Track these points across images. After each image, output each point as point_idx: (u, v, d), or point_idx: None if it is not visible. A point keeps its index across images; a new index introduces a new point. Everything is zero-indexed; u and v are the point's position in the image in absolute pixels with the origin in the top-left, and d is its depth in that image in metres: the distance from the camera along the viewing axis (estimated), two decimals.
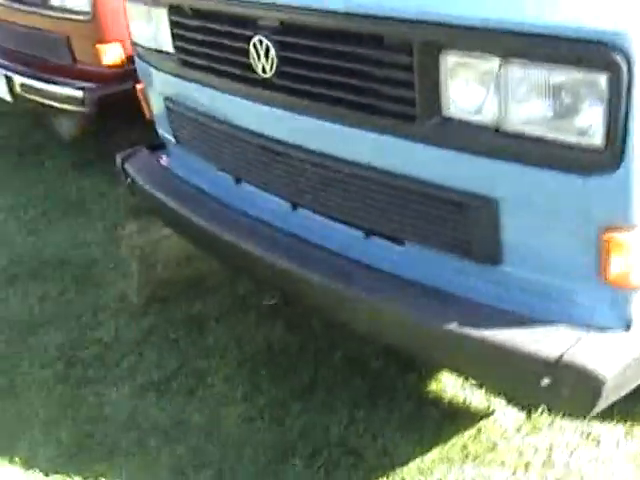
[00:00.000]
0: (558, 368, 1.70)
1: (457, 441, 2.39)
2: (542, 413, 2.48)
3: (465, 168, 1.80)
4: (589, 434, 2.42)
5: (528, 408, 2.49)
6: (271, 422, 2.48)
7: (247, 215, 2.36)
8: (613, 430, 2.41)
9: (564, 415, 2.45)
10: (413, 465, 2.32)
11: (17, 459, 2.44)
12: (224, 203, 2.45)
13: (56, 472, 2.40)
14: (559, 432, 2.43)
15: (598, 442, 2.39)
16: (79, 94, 3.62)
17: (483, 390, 2.54)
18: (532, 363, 1.73)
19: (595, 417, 2.43)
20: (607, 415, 2.43)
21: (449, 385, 2.59)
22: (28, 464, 2.42)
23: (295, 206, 2.24)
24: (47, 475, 2.40)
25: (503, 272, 1.87)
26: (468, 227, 1.85)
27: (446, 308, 1.88)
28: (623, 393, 1.80)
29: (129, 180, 2.71)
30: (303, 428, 2.46)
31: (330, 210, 2.13)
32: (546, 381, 1.73)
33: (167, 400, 2.60)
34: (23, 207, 3.95)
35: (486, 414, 2.49)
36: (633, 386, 1.82)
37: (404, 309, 1.91)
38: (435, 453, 2.36)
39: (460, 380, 2.58)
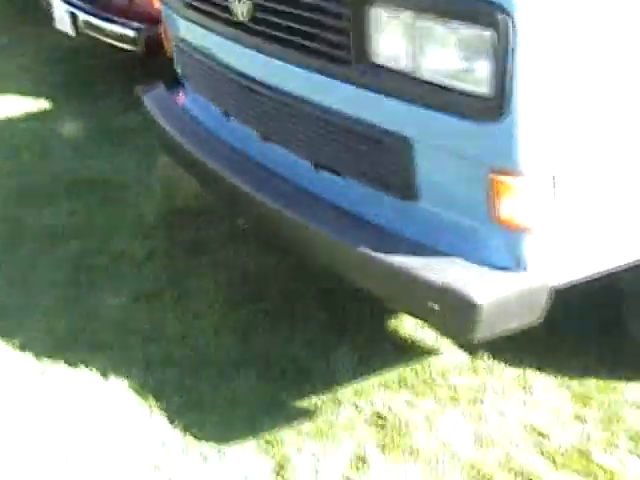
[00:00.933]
0: (442, 294, 1.96)
1: (399, 372, 2.66)
2: (484, 358, 2.72)
3: (386, 109, 2.07)
4: (524, 381, 2.65)
5: (472, 352, 2.74)
6: (237, 338, 2.81)
7: (231, 147, 2.69)
8: (547, 380, 2.64)
9: (502, 360, 2.69)
10: (351, 387, 2.61)
11: (15, 341, 2.85)
12: (215, 135, 2.78)
13: (48, 357, 2.79)
14: (496, 377, 2.67)
15: (530, 389, 2.62)
16: (132, 33, 4.00)
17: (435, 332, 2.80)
18: (423, 287, 2.00)
19: (533, 367, 2.67)
20: (545, 367, 2.66)
21: (407, 325, 2.86)
22: (24, 347, 2.83)
23: (265, 138, 2.55)
24: (39, 359, 2.79)
25: (417, 207, 2.13)
26: (387, 163, 2.12)
27: (362, 234, 2.16)
28: (511, 326, 2.04)
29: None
30: (264, 346, 2.78)
31: (288, 142, 2.44)
32: (433, 305, 2.00)
33: (153, 309, 2.96)
34: (75, 132, 4.39)
35: (432, 353, 2.75)
36: (524, 322, 2.06)
37: (329, 232, 2.20)
38: (375, 380, 2.64)
39: (419, 322, 2.85)
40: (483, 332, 1.97)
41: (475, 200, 1.98)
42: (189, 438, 2.45)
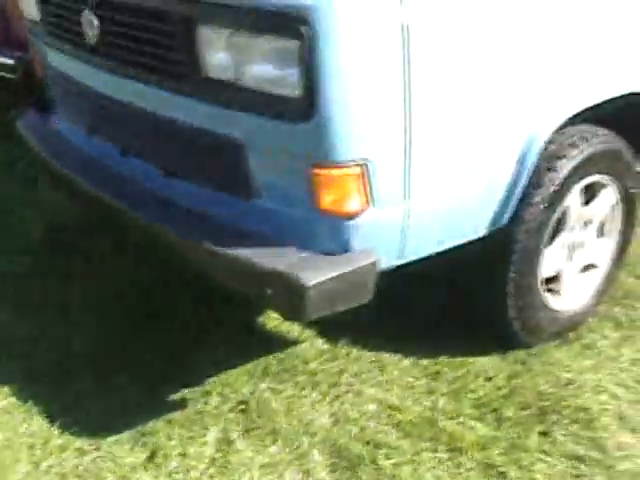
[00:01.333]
0: (273, 278, 2.22)
1: (262, 362, 2.91)
2: (344, 345, 2.99)
3: (220, 117, 2.33)
4: (381, 363, 2.92)
5: (334, 340, 3.00)
6: (114, 342, 3.03)
7: (97, 162, 2.92)
8: (401, 361, 2.92)
9: (361, 346, 2.96)
10: (218, 378, 2.84)
11: None
12: (82, 153, 3.01)
13: None
14: (353, 361, 2.94)
15: (386, 370, 2.90)
16: (11, 61, 4.18)
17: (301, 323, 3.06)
18: (259, 274, 2.25)
19: (389, 351, 2.95)
20: (400, 349, 2.94)
21: (273, 319, 3.11)
22: None
23: (123, 152, 2.79)
24: None
25: (256, 204, 2.39)
26: (226, 167, 2.37)
27: (210, 232, 2.41)
28: (341, 305, 2.31)
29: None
30: (139, 347, 3.00)
31: (142, 154, 2.68)
32: (269, 291, 2.25)
33: (36, 321, 3.15)
34: None
35: (295, 343, 3.01)
36: (354, 301, 2.32)
37: (181, 233, 2.45)
38: (241, 370, 2.88)
39: None
40: (313, 311, 2.23)
41: (301, 193, 2.25)
42: (68, 436, 2.64)
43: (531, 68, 2.41)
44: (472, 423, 2.64)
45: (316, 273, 2.18)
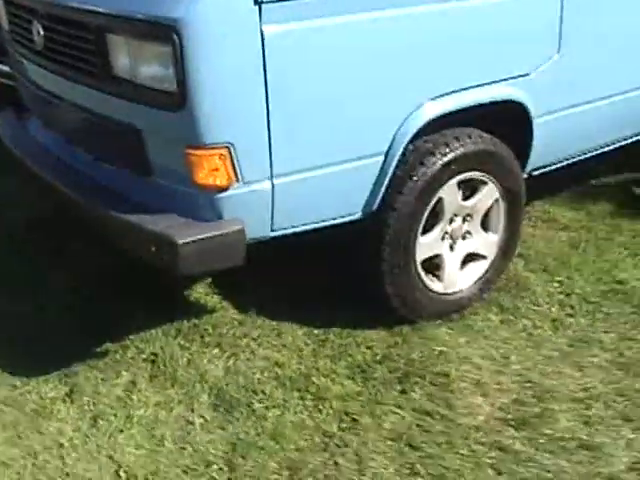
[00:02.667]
0: (155, 237, 2.86)
1: (178, 324, 3.53)
2: (252, 314, 3.61)
3: (124, 108, 2.99)
4: (278, 330, 3.53)
5: (245, 310, 3.62)
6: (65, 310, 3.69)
7: (51, 153, 3.61)
8: (296, 329, 3.52)
9: (265, 314, 3.57)
10: (138, 335, 3.48)
11: None
12: (41, 143, 3.71)
13: None
14: (256, 327, 3.54)
15: (281, 336, 3.50)
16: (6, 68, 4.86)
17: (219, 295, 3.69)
18: (145, 235, 2.90)
19: (289, 320, 3.55)
20: (298, 318, 3.54)
21: (196, 290, 3.75)
22: None
23: (67, 141, 3.48)
24: None
25: (152, 180, 3.05)
26: (129, 149, 3.03)
27: (116, 205, 3.06)
28: (214, 266, 2.94)
29: None
30: (85, 313, 3.66)
31: (78, 141, 3.37)
32: (153, 248, 2.90)
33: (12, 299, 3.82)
34: None
35: (212, 311, 3.64)
36: (226, 263, 2.95)
37: (96, 206, 3.11)
38: (158, 330, 3.51)
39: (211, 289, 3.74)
40: (186, 267, 2.85)
41: (182, 171, 2.87)
42: (5, 375, 3.31)
43: (383, 76, 3.00)
44: (342, 380, 3.21)
45: (187, 233, 2.81)
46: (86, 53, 3.01)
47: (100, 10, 2.88)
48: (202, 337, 3.46)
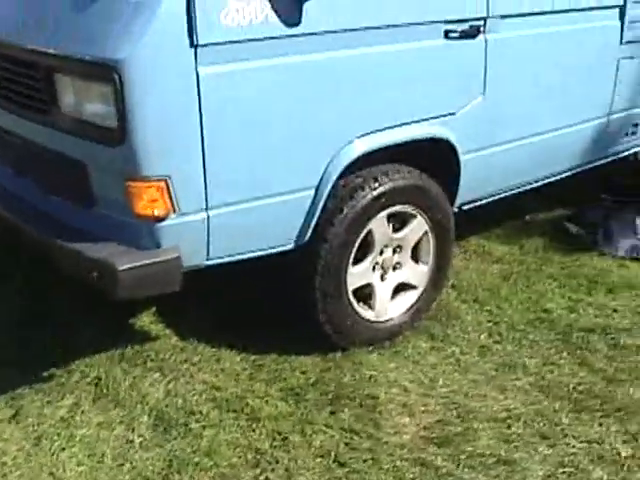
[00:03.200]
0: (96, 264, 3.08)
1: (122, 350, 3.74)
2: (193, 342, 3.82)
3: (72, 143, 3.20)
4: (218, 356, 3.74)
5: (187, 338, 3.83)
6: (13, 335, 3.88)
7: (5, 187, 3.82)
8: (234, 355, 3.73)
9: (204, 341, 3.79)
10: (83, 360, 3.68)
11: None
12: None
13: None
14: (197, 354, 3.76)
15: (220, 361, 3.71)
16: None
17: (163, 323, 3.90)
18: (89, 262, 3.11)
19: (227, 347, 3.76)
20: (236, 345, 3.75)
21: (141, 317, 3.96)
22: None
23: (18, 172, 3.70)
24: None
25: (98, 212, 3.26)
26: (75, 182, 3.24)
27: (62, 233, 3.27)
28: (152, 291, 3.15)
29: None
30: (34, 332, 3.85)
31: (27, 173, 3.59)
32: (95, 274, 3.12)
33: None
34: None
35: (155, 338, 3.85)
36: (163, 289, 3.17)
37: (43, 233, 3.32)
38: (104, 355, 3.71)
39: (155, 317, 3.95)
40: (124, 291, 3.05)
41: (124, 202, 3.10)
42: None
43: (312, 114, 3.25)
44: (275, 402, 3.42)
45: (125, 260, 3.02)
46: (36, 91, 3.23)
47: (48, 51, 3.10)
48: (145, 362, 3.65)
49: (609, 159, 4.84)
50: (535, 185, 4.47)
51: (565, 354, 3.80)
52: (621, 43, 4.42)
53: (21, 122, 3.41)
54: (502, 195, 4.28)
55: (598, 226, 4.81)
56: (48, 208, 3.45)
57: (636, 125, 4.82)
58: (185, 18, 2.87)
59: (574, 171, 4.61)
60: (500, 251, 4.72)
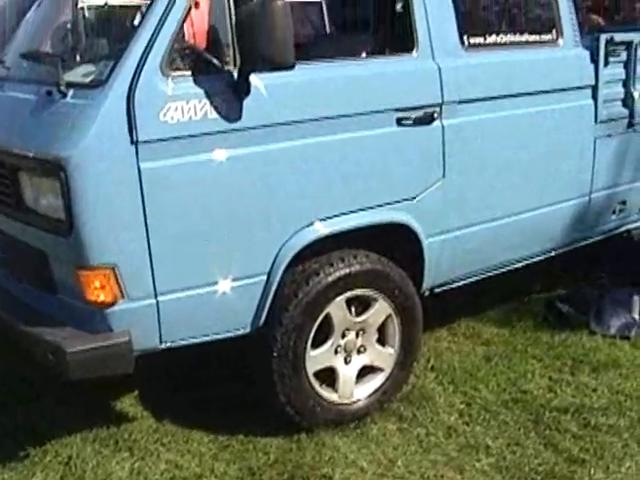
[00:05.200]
0: (50, 347, 3.32)
1: (95, 431, 3.95)
2: (165, 423, 4.01)
3: (35, 234, 3.48)
4: (186, 436, 3.92)
5: (160, 419, 4.03)
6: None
7: None
8: (202, 435, 3.91)
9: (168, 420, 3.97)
10: (58, 440, 3.91)
11: None
12: None
13: None
14: (168, 435, 3.94)
15: (187, 440, 3.89)
16: None
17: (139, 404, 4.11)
18: (44, 345, 3.36)
19: (195, 426, 3.94)
20: (204, 425, 3.93)
21: (116, 399, 4.18)
22: None
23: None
24: None
25: (59, 298, 3.52)
26: (39, 269, 3.52)
27: (26, 316, 3.54)
28: (105, 372, 3.37)
29: None
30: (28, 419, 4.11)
31: (5, 263, 3.89)
32: (50, 355, 3.36)
33: None
34: None
35: (131, 419, 4.06)
36: (115, 370, 3.38)
37: (9, 318, 3.60)
38: (78, 436, 3.93)
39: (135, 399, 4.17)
40: (75, 373, 3.27)
41: (76, 288, 3.35)
42: None
43: (262, 203, 3.46)
44: None
45: (75, 343, 3.25)
46: (5, 187, 3.53)
47: (11, 150, 3.40)
48: (117, 442, 3.85)
49: (598, 237, 4.88)
50: (518, 265, 4.54)
51: (533, 434, 3.84)
52: (596, 122, 4.50)
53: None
54: (480, 277, 4.37)
55: (590, 305, 4.83)
56: (20, 293, 3.70)
57: (624, 203, 4.84)
58: (126, 117, 3.12)
59: (558, 251, 4.68)
60: (489, 332, 4.79)
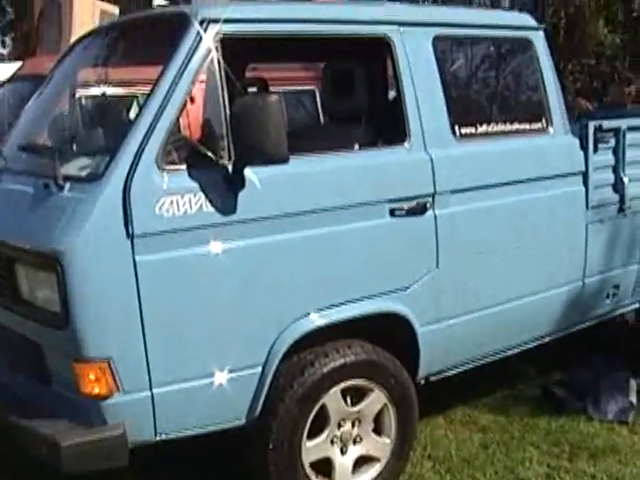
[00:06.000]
0: (45, 440, 3.30)
1: None
2: None
3: (31, 326, 3.49)
4: None
5: None
6: None
7: None
8: None
9: None
10: None
11: None
12: None
13: None
14: None
15: None
16: None
17: None
18: (39, 438, 3.34)
19: None
20: None
21: None
22: None
23: None
24: None
25: (52, 389, 3.51)
26: (34, 360, 3.51)
27: (19, 409, 3.53)
28: (99, 465, 3.34)
29: None
30: None
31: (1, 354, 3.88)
32: (44, 448, 3.34)
33: None
34: None
35: None
36: (109, 463, 3.36)
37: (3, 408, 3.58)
38: None
39: None
40: (70, 465, 3.25)
41: (71, 380, 3.34)
42: None
43: (255, 296, 3.48)
44: None
45: (69, 436, 3.24)
46: (2, 279, 3.54)
47: (7, 242, 3.44)
48: None
49: (593, 322, 4.89)
50: (513, 352, 4.55)
51: None
52: (587, 208, 4.55)
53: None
54: (475, 364, 4.36)
55: (587, 389, 4.82)
56: (15, 385, 3.69)
57: (617, 287, 4.87)
58: (121, 211, 3.17)
59: (553, 336, 4.69)
60: (485, 419, 4.77)
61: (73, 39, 6.61)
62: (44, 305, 3.31)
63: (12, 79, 7.36)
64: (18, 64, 8.30)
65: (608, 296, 4.88)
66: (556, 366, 5.32)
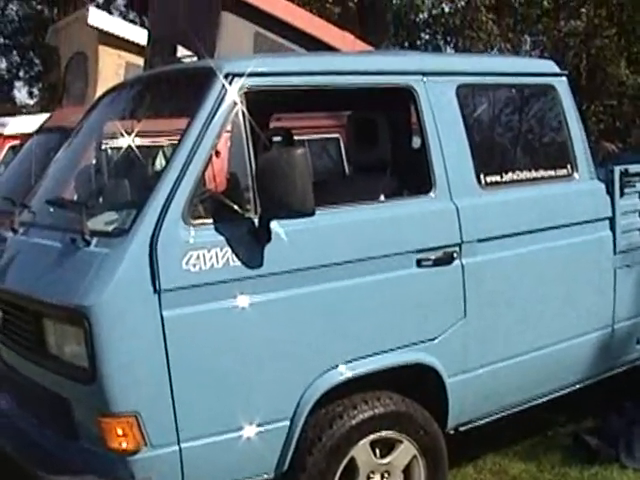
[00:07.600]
0: None
1: None
2: None
3: (58, 381, 3.49)
4: None
5: None
6: None
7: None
8: None
9: None
10: None
11: None
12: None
13: None
14: None
15: None
16: None
17: None
18: None
19: None
20: None
21: None
22: None
23: (19, 405, 3.98)
24: None
25: (80, 444, 3.48)
26: (62, 417, 3.48)
27: (49, 463, 3.50)
28: None
29: None
30: None
31: (27, 407, 3.87)
32: None
33: None
34: None
35: None
36: None
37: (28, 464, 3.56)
38: None
39: None
40: None
41: (98, 435, 3.32)
42: None
43: (285, 348, 3.46)
44: None
45: None
46: (29, 333, 3.54)
47: (35, 297, 3.44)
48: None
49: (623, 368, 4.81)
50: (542, 400, 4.47)
51: None
52: (615, 253, 4.50)
53: (19, 359, 3.71)
54: (504, 413, 4.29)
55: (619, 436, 4.73)
56: (42, 439, 3.67)
57: None
58: (148, 267, 3.16)
59: (583, 384, 4.61)
60: (516, 469, 4.69)
61: (99, 91, 6.72)
62: (71, 360, 3.30)
63: (39, 131, 7.43)
64: (45, 116, 8.38)
65: (638, 341, 4.78)
66: (587, 412, 5.22)
